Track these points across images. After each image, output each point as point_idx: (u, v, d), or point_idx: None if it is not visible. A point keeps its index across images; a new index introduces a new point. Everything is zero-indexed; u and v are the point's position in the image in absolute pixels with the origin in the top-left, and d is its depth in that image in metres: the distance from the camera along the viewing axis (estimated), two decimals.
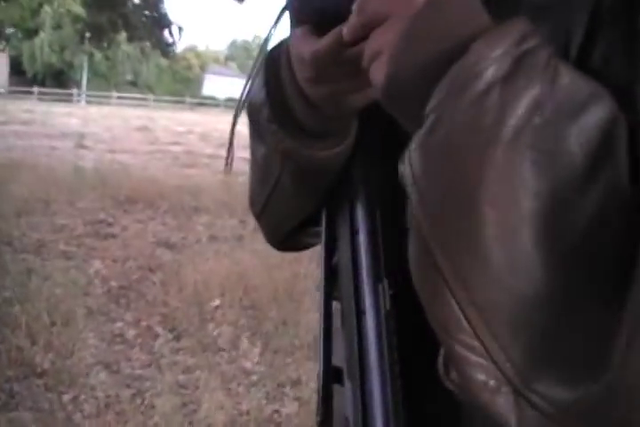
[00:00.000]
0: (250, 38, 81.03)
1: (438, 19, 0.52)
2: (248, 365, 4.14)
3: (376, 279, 0.74)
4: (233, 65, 72.68)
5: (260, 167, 0.84)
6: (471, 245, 0.47)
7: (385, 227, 0.76)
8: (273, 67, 0.77)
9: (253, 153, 0.85)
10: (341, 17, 0.63)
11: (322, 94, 0.71)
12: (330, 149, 0.76)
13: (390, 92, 0.54)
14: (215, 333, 4.57)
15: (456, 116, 0.48)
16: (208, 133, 20.83)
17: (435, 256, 0.50)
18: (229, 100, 49.22)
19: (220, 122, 22.90)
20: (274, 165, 0.80)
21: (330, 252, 0.83)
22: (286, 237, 0.94)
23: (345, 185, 0.82)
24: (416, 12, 0.52)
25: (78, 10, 27.65)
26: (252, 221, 0.91)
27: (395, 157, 0.61)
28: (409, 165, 0.52)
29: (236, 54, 78.06)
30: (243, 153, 0.86)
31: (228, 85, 53.67)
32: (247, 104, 0.81)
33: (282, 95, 0.75)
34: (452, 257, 0.49)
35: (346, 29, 0.60)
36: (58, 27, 43.26)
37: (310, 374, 3.95)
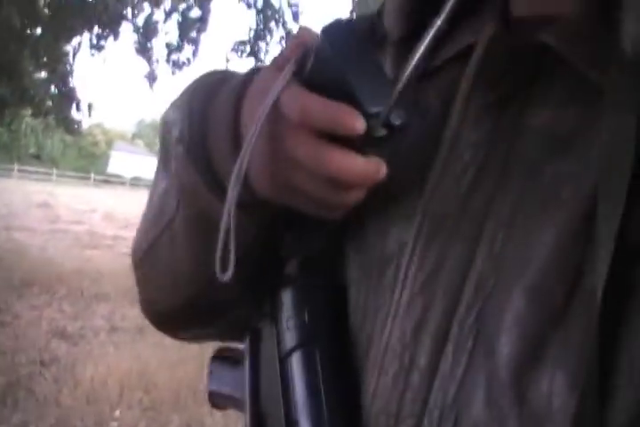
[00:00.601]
0: (158, 118, 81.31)
1: None
2: None
3: None
4: (140, 143, 72.48)
5: (155, 204, 0.68)
6: None
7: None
8: (205, 97, 0.62)
9: (154, 188, 0.69)
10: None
11: (282, 182, 0.56)
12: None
13: None
14: None
15: None
16: (112, 213, 20.38)
17: None
18: (136, 178, 48.82)
19: (125, 201, 22.50)
20: (170, 202, 0.64)
21: (255, 386, 0.62)
22: (170, 318, 0.73)
23: (270, 272, 0.63)
24: None
25: None
26: None
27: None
28: None
29: (143, 132, 77.94)
30: None
31: (135, 164, 53.35)
32: (161, 120, 0.67)
33: (205, 136, 0.61)
34: None
35: None
36: None
37: None
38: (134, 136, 76.96)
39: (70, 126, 9.26)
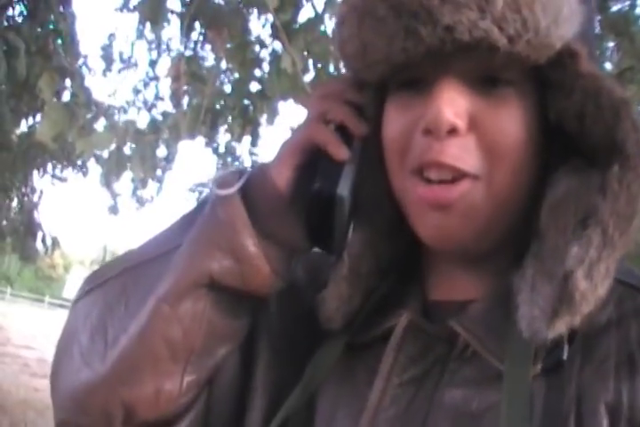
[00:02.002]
0: (120, 247, 79.86)
1: None
2: None
3: None
4: None
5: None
6: None
7: None
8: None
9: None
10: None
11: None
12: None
13: None
14: None
15: None
16: None
17: None
18: None
19: None
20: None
21: None
22: None
23: None
24: None
25: None
26: None
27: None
28: None
29: (102, 260, 76.07)
30: None
31: None
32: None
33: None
34: None
35: None
36: None
37: None
38: (92, 262, 75.50)
39: (28, 256, 8.94)
